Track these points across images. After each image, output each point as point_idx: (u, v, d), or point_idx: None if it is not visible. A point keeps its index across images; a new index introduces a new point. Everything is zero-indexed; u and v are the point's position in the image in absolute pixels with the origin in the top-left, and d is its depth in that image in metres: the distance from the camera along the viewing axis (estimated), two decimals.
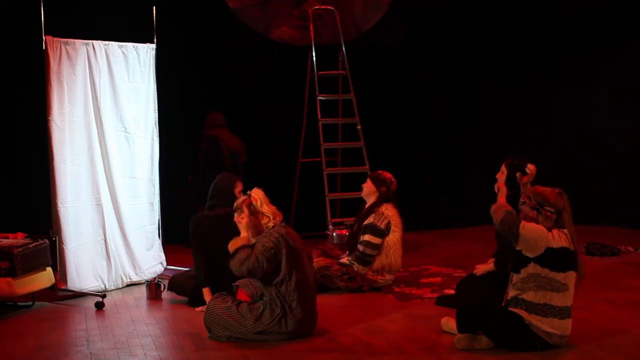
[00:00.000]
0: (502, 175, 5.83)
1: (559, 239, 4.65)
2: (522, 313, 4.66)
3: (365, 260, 6.49)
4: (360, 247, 6.50)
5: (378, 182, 6.68)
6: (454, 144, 10.03)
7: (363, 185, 6.78)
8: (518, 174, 4.94)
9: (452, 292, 6.08)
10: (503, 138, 9.79)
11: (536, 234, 4.61)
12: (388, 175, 6.73)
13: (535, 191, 4.82)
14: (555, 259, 4.61)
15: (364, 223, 6.56)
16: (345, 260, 6.61)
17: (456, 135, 10.02)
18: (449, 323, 5.08)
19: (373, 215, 6.55)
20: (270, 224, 5.13)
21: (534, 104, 10.18)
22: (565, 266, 4.65)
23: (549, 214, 4.72)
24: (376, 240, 6.46)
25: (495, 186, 5.23)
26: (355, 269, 6.48)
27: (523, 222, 4.64)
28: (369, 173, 6.80)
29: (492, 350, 4.71)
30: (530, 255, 4.64)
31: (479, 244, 6.69)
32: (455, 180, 9.90)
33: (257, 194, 5.21)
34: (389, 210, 6.57)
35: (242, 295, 5.23)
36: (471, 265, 6.02)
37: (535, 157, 9.72)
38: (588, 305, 5.79)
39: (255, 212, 5.15)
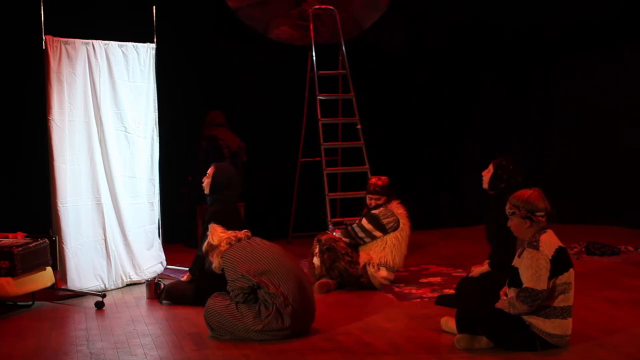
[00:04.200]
0: (487, 174, 5.85)
1: (550, 243, 4.62)
2: (522, 315, 4.65)
3: (351, 235, 6.55)
4: (355, 227, 6.57)
5: (391, 192, 6.65)
6: (454, 143, 10.02)
7: (371, 202, 6.64)
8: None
9: (452, 291, 6.09)
10: (503, 137, 9.79)
11: (541, 269, 4.54)
12: (386, 179, 6.67)
13: (520, 199, 4.73)
14: (557, 264, 4.59)
15: (370, 211, 6.60)
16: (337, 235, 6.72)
17: (456, 135, 10.02)
18: (449, 322, 5.08)
19: (382, 208, 6.56)
20: (223, 248, 5.22)
21: (534, 104, 10.18)
22: (565, 266, 4.64)
23: (540, 218, 4.70)
24: (373, 230, 6.49)
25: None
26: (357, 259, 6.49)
27: (530, 283, 4.54)
28: (376, 190, 6.62)
29: (492, 350, 4.71)
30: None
31: (478, 244, 6.68)
32: (455, 180, 9.89)
33: (214, 233, 5.32)
34: (399, 209, 6.59)
35: None
36: (471, 265, 6.03)
37: (535, 156, 9.86)
38: (588, 304, 5.79)
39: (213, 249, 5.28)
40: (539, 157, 10.01)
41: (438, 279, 6.87)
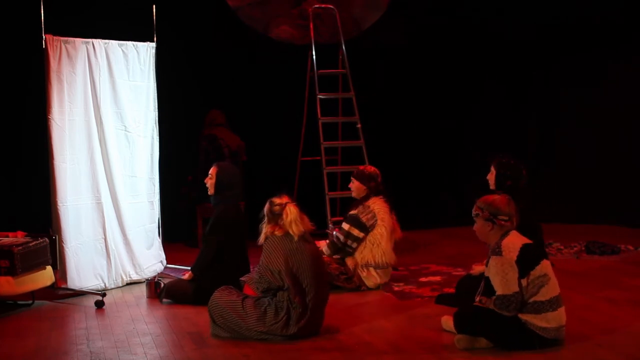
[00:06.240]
0: (491, 176, 5.85)
1: (513, 245, 4.64)
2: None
3: (342, 249, 6.49)
4: (341, 237, 6.50)
5: (365, 179, 6.62)
6: (454, 143, 10.02)
7: (350, 186, 6.72)
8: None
9: (452, 291, 6.09)
10: (503, 137, 9.79)
11: (507, 274, 4.58)
12: (371, 169, 6.70)
13: (485, 201, 4.80)
14: (525, 261, 4.61)
15: (348, 213, 6.57)
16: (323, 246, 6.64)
17: (456, 135, 10.02)
18: (449, 322, 5.07)
19: (360, 207, 6.51)
20: (278, 234, 5.05)
21: (535, 103, 10.18)
22: (535, 260, 4.65)
23: (502, 222, 4.73)
24: (356, 232, 6.43)
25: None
26: (328, 259, 6.44)
27: (500, 289, 4.59)
28: (356, 173, 6.73)
29: (492, 349, 4.71)
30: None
31: (478, 243, 6.66)
32: (455, 180, 9.89)
33: (291, 211, 5.09)
34: (376, 204, 6.52)
35: (248, 290, 5.25)
36: (471, 264, 6.03)
37: (535, 156, 9.84)
38: (588, 304, 5.79)
39: (276, 222, 5.08)
40: (539, 157, 10.01)
41: (438, 278, 6.87)
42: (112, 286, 6.67)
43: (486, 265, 4.77)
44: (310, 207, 8.79)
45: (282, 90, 9.11)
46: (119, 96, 6.78)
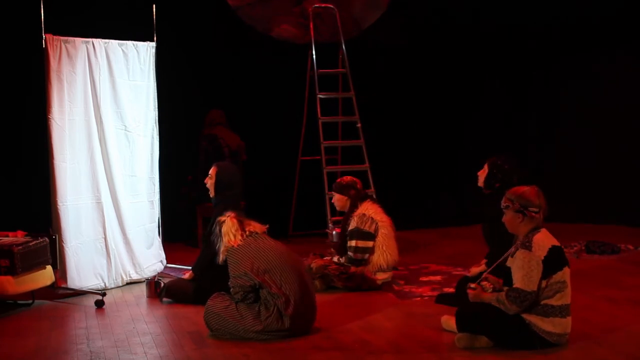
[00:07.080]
0: (482, 173, 5.84)
1: (543, 243, 4.62)
2: (521, 313, 4.65)
3: (360, 263, 6.47)
4: (351, 254, 6.45)
5: (344, 189, 6.65)
6: (454, 142, 10.02)
7: (333, 201, 6.78)
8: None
9: (452, 290, 6.09)
10: (503, 137, 9.79)
11: (532, 271, 4.56)
12: (348, 178, 6.74)
13: (515, 193, 4.77)
14: (550, 263, 4.60)
15: (349, 229, 6.51)
16: (336, 260, 6.60)
17: (456, 134, 10.02)
18: (449, 321, 5.08)
19: (355, 219, 6.48)
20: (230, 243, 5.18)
21: (535, 102, 10.18)
22: (559, 264, 4.64)
23: (533, 213, 4.71)
24: (365, 243, 6.41)
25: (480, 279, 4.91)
26: (353, 270, 6.45)
27: (520, 283, 4.57)
28: (334, 187, 6.82)
29: (492, 348, 4.71)
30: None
31: (478, 243, 6.68)
32: (455, 179, 9.89)
33: (226, 226, 5.22)
34: (369, 209, 6.50)
35: None
36: (471, 264, 6.03)
37: (535, 157, 9.84)
38: (588, 303, 5.79)
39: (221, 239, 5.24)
40: (539, 157, 10.01)
41: (438, 278, 6.88)
42: (112, 286, 6.67)
43: (511, 256, 4.72)
44: (310, 206, 8.92)
45: (282, 90, 9.12)
46: (119, 96, 6.78)
